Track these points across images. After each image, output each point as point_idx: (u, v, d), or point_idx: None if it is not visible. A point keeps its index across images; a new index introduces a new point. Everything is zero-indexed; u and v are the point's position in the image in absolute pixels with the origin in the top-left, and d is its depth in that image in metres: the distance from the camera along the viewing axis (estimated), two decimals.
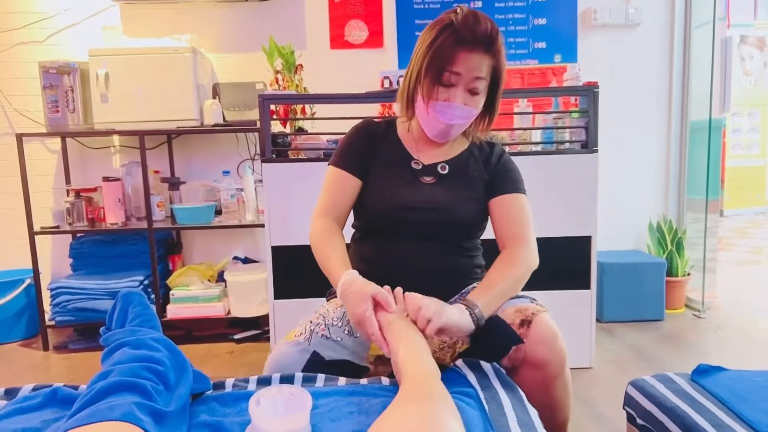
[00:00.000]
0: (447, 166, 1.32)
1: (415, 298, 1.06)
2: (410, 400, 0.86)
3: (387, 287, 1.13)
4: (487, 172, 1.33)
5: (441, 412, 0.84)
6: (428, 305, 1.04)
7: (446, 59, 1.17)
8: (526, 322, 1.10)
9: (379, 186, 1.31)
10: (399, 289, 1.13)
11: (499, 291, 1.16)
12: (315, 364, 1.13)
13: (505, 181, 1.31)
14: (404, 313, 1.08)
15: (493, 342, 1.12)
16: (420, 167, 1.32)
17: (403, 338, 1.01)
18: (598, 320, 2.82)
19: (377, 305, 1.08)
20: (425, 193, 1.28)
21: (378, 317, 1.07)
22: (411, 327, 1.05)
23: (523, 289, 1.24)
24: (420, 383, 0.90)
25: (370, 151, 1.34)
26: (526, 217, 1.28)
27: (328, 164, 1.36)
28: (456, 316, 1.06)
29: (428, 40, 1.20)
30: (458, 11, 1.19)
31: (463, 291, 1.31)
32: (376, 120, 1.42)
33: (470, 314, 1.08)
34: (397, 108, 1.35)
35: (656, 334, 2.77)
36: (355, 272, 1.16)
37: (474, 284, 1.28)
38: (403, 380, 0.93)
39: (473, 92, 1.21)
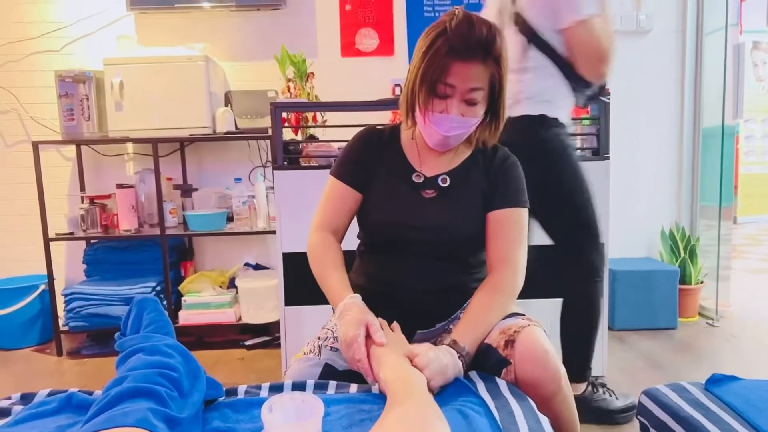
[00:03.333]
0: (448, 178, 1.27)
1: (420, 357, 1.02)
2: (392, 407, 0.87)
3: (381, 320, 1.13)
4: (488, 181, 1.28)
5: (421, 411, 0.85)
6: (430, 362, 1.01)
7: (439, 71, 1.12)
8: (509, 343, 1.08)
9: (379, 201, 1.29)
10: (384, 323, 1.14)
11: (484, 325, 1.14)
12: (329, 376, 1.14)
13: (503, 193, 1.26)
14: (390, 338, 1.09)
15: (483, 369, 1.11)
16: (421, 180, 1.28)
17: (381, 360, 1.02)
18: (610, 328, 2.80)
19: (368, 335, 1.07)
20: (425, 211, 1.25)
21: (367, 346, 1.06)
22: (389, 348, 1.05)
23: (532, 297, 1.22)
24: (399, 390, 0.91)
25: (371, 161, 1.31)
26: (518, 237, 1.24)
27: (330, 173, 1.33)
28: (451, 368, 1.04)
29: (423, 48, 1.15)
30: (454, 15, 1.13)
31: (453, 317, 1.29)
32: (379, 127, 1.39)
33: (462, 359, 1.07)
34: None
35: (669, 342, 2.75)
36: (358, 297, 1.16)
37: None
38: (387, 395, 0.94)
39: (470, 102, 1.16)
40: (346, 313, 1.12)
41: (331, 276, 1.22)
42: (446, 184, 1.28)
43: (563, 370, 1.07)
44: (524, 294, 1.24)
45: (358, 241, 1.40)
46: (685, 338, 2.80)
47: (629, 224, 3.27)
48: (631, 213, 3.28)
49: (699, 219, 3.32)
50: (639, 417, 1.31)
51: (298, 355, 1.22)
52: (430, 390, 0.98)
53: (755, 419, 1.07)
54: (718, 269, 3.12)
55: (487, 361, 1.11)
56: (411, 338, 1.25)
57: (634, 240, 3.31)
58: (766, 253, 5.36)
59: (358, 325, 1.07)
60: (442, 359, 1.03)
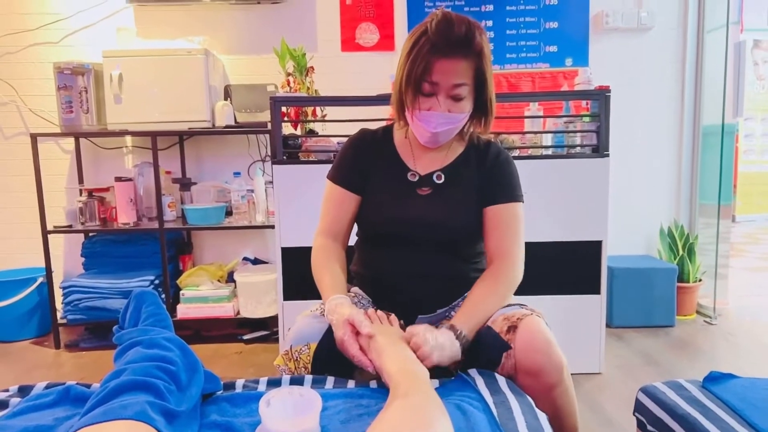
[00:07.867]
0: (443, 175, 1.30)
1: (417, 336, 1.08)
2: (394, 399, 0.88)
3: (380, 313, 1.18)
4: (481, 176, 1.30)
5: (424, 403, 0.86)
6: (427, 341, 1.06)
7: (423, 70, 1.15)
8: (512, 328, 1.10)
9: (375, 201, 1.31)
10: (383, 315, 1.17)
11: (483, 312, 1.17)
12: (332, 335, 1.16)
13: (499, 188, 1.29)
14: (388, 330, 1.11)
15: (485, 353, 1.12)
16: (416, 179, 1.31)
17: (384, 353, 1.04)
18: (608, 325, 2.80)
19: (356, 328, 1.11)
20: (421, 207, 1.28)
21: (360, 340, 1.10)
22: (390, 340, 1.07)
23: (531, 293, 1.24)
24: (402, 382, 0.93)
25: (366, 163, 1.34)
26: (516, 230, 1.27)
27: (327, 177, 1.37)
28: (448, 347, 1.08)
29: (407, 49, 1.19)
30: (435, 16, 1.16)
31: (454, 304, 1.32)
32: (371, 129, 1.41)
33: (458, 341, 1.10)
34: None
35: (666, 340, 2.75)
36: (342, 297, 1.19)
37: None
38: (390, 387, 0.95)
39: (456, 98, 1.19)
40: (330, 317, 1.15)
41: (324, 279, 1.26)
42: (441, 181, 1.30)
43: (566, 363, 1.08)
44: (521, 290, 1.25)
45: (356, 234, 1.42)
46: (682, 336, 2.81)
47: (628, 222, 3.27)
48: (630, 210, 3.28)
49: (698, 217, 3.32)
50: (636, 414, 1.32)
51: (304, 312, 1.26)
52: (430, 364, 1.03)
53: (752, 417, 1.07)
54: (717, 267, 3.12)
55: (488, 345, 1.12)
56: (412, 323, 1.26)
57: (632, 238, 3.31)
58: (764, 252, 5.37)
59: (342, 325, 1.10)
60: (438, 337, 1.07)
